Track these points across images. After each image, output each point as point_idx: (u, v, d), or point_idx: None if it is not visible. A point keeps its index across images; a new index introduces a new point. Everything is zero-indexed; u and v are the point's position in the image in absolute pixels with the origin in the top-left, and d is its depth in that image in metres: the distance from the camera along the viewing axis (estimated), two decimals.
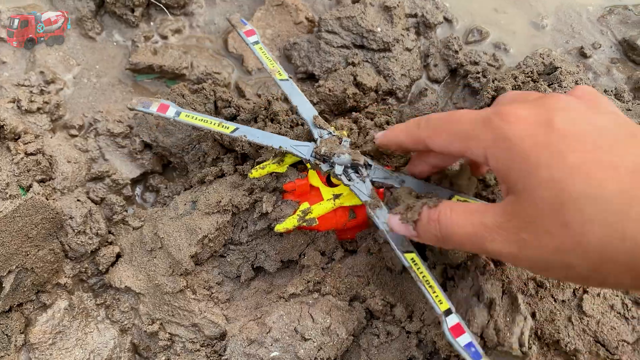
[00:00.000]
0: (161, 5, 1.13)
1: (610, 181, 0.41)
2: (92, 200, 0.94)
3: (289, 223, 0.82)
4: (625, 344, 0.81)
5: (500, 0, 1.26)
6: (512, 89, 0.96)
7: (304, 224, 0.82)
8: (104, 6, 1.13)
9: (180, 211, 0.90)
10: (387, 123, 1.04)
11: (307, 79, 1.14)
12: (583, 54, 1.20)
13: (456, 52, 1.14)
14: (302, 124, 0.96)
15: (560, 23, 1.25)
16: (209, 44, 1.17)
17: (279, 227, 0.82)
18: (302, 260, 0.86)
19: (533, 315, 0.82)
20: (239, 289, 0.89)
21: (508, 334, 0.77)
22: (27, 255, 0.82)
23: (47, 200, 0.86)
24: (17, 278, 0.82)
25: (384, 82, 1.09)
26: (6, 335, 0.82)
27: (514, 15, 1.25)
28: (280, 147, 0.84)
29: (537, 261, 0.47)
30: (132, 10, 1.12)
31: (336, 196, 0.84)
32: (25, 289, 0.84)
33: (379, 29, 1.11)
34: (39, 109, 0.99)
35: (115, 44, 1.13)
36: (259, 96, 1.11)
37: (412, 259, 0.75)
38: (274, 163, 0.86)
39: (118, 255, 0.92)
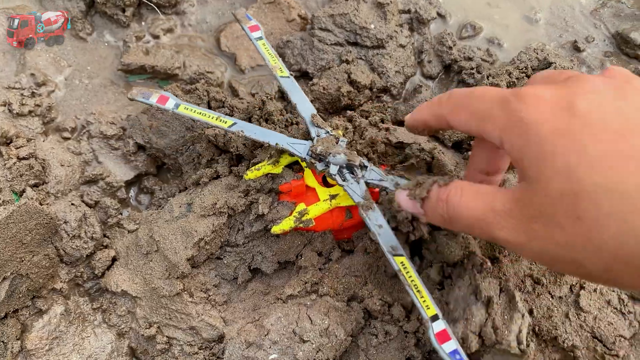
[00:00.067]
0: (152, 5, 1.12)
1: (632, 175, 0.38)
2: (87, 204, 0.93)
3: (286, 224, 0.81)
4: (622, 339, 0.82)
5: None
6: (507, 85, 0.96)
7: (301, 225, 0.82)
8: (94, 6, 1.12)
9: (175, 214, 0.89)
10: (382, 121, 1.04)
11: (301, 77, 1.13)
12: (577, 48, 1.20)
13: (450, 48, 1.13)
14: (297, 123, 0.96)
15: (553, 17, 1.25)
16: (201, 43, 1.16)
17: (276, 229, 0.81)
18: (299, 261, 0.86)
19: (530, 312, 0.82)
20: (236, 291, 0.89)
21: (506, 332, 0.77)
22: (22, 261, 0.81)
23: (41, 205, 0.85)
24: (12, 284, 0.81)
25: (378, 80, 1.09)
26: (2, 342, 0.81)
27: (507, 10, 1.24)
28: (277, 144, 0.84)
29: (544, 254, 0.44)
30: (123, 10, 1.11)
31: (332, 196, 0.84)
32: (20, 295, 0.83)
33: (372, 26, 1.10)
34: (30, 112, 0.98)
35: (106, 44, 1.12)
36: (253, 95, 1.11)
37: (401, 262, 0.75)
38: (269, 164, 0.85)
39: (114, 259, 0.91)
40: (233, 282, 0.89)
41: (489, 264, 0.81)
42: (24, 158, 0.89)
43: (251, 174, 0.85)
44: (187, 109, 0.87)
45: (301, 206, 0.83)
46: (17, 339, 0.83)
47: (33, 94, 1.01)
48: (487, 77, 1.02)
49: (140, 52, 1.08)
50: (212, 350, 0.84)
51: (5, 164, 0.87)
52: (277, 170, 0.86)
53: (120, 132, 1.01)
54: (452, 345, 0.72)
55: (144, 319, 0.86)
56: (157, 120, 0.99)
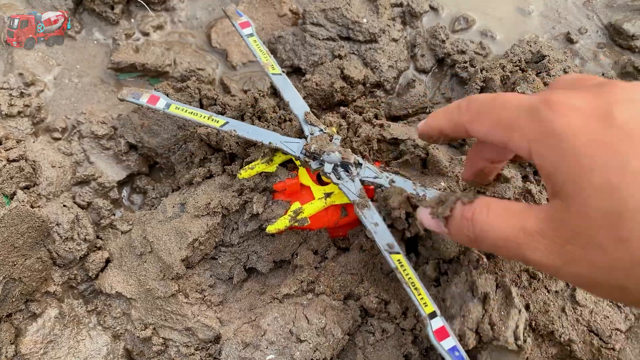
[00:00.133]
0: (141, 2, 1.11)
1: None
2: (79, 205, 0.92)
3: (281, 224, 0.81)
4: (618, 332, 0.82)
5: None
6: (501, 80, 0.96)
7: (296, 223, 0.81)
8: (82, 4, 1.10)
9: (169, 214, 0.88)
10: (376, 116, 1.03)
11: (293, 72, 1.12)
12: (570, 40, 1.19)
13: (443, 41, 1.13)
14: (290, 120, 0.95)
15: (546, 8, 1.24)
16: (191, 40, 1.15)
17: (271, 228, 0.81)
18: (295, 260, 0.86)
19: (527, 307, 0.82)
20: (232, 291, 0.88)
21: (503, 328, 0.77)
22: (14, 265, 0.81)
23: (32, 208, 0.84)
24: (5, 289, 0.80)
25: (372, 75, 1.08)
26: None
27: (500, 2, 1.24)
28: (270, 143, 0.83)
29: (583, 278, 0.41)
30: (112, 8, 1.09)
31: (327, 195, 0.83)
32: (13, 299, 0.82)
33: (364, 20, 1.09)
34: (19, 112, 0.97)
35: (95, 42, 1.11)
36: (245, 92, 1.10)
37: (398, 260, 0.75)
38: (263, 163, 0.85)
39: (107, 261, 0.91)
40: (228, 282, 0.89)
41: (485, 259, 0.81)
42: (14, 160, 0.88)
43: (245, 173, 0.84)
44: (178, 108, 0.86)
45: (296, 205, 0.82)
46: (12, 344, 0.82)
47: (22, 94, 1.00)
48: (481, 71, 1.01)
49: (130, 49, 1.07)
50: (208, 351, 0.84)
51: None
52: (271, 168, 0.85)
53: (112, 131, 1.00)
54: (450, 342, 0.72)
55: (139, 320, 0.86)
56: (148, 119, 0.98)
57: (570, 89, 0.44)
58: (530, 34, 1.19)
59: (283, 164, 0.87)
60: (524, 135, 0.43)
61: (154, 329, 0.85)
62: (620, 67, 1.15)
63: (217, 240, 0.86)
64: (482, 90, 0.97)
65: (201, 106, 0.98)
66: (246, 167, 0.85)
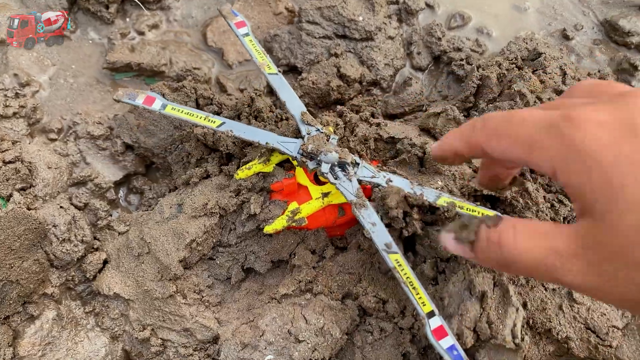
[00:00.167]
0: (136, 1, 1.10)
1: None
2: (75, 206, 0.92)
3: (278, 224, 0.81)
4: (615, 329, 0.82)
5: None
6: (497, 77, 0.96)
7: (294, 224, 0.81)
8: (77, 3, 1.10)
9: (166, 215, 0.88)
10: (372, 115, 1.03)
11: (290, 71, 1.12)
12: (565, 36, 1.19)
13: (439, 39, 1.12)
14: (287, 119, 0.95)
15: (542, 5, 1.24)
16: (187, 38, 1.14)
17: (268, 229, 0.81)
18: (293, 260, 0.86)
19: (524, 305, 0.83)
20: (230, 291, 0.88)
21: (501, 327, 0.77)
22: (11, 267, 0.80)
23: (29, 209, 0.84)
24: (2, 291, 0.80)
25: (368, 73, 1.08)
26: None
27: None
28: (267, 143, 0.83)
29: (626, 298, 0.38)
30: (107, 7, 1.08)
31: (325, 194, 0.83)
32: (11, 302, 0.82)
33: (360, 18, 1.09)
34: (15, 113, 0.96)
35: (90, 42, 1.10)
36: (241, 91, 1.09)
37: (396, 259, 0.75)
38: (260, 163, 0.84)
39: (105, 262, 0.90)
40: (226, 283, 0.89)
41: None
42: (9, 162, 0.87)
43: (242, 174, 0.84)
44: (175, 109, 0.85)
45: (293, 205, 0.82)
46: (9, 346, 0.82)
47: (17, 95, 0.99)
48: (477, 69, 1.01)
49: (125, 49, 1.06)
50: (207, 351, 0.84)
51: None
52: (268, 168, 0.85)
53: (108, 132, 1.00)
54: (449, 341, 0.72)
55: (137, 321, 0.86)
56: (144, 120, 0.97)
57: (590, 101, 0.42)
58: (526, 31, 1.19)
59: (280, 164, 0.87)
60: (546, 154, 0.41)
61: (152, 329, 0.85)
62: (616, 64, 1.15)
63: (214, 240, 0.86)
64: (479, 88, 0.97)
65: (197, 106, 0.98)
66: (243, 167, 0.85)
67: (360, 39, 1.09)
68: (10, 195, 0.86)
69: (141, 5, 1.11)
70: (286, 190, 0.84)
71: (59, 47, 1.08)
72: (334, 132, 0.89)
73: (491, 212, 0.82)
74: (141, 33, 1.11)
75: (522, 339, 0.79)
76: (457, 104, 0.98)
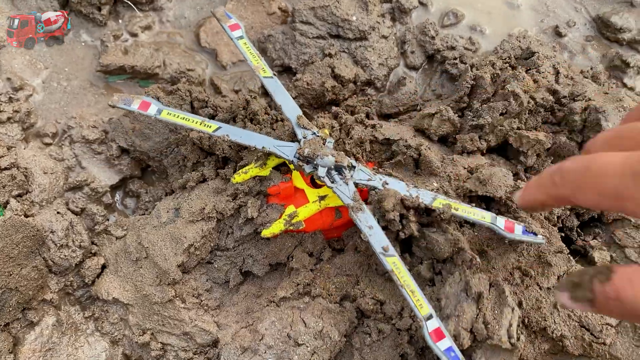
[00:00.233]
0: (128, 2, 1.10)
1: None
2: (72, 212, 0.92)
3: (276, 228, 0.81)
4: (609, 327, 0.84)
5: None
6: (491, 77, 0.96)
7: (291, 227, 0.82)
8: (68, 5, 1.09)
9: (163, 219, 0.88)
10: (367, 115, 1.04)
11: (284, 72, 1.12)
12: (558, 33, 1.20)
13: (433, 38, 1.13)
14: (282, 120, 0.95)
15: (534, 1, 1.24)
16: (180, 39, 1.14)
17: (266, 232, 0.81)
18: (291, 263, 0.86)
19: (520, 304, 0.84)
20: (229, 294, 0.89)
21: (497, 327, 0.78)
22: (10, 275, 0.81)
23: (26, 216, 0.84)
24: (2, 299, 0.80)
25: (362, 73, 1.08)
26: None
27: None
28: (263, 147, 0.83)
29: None
30: (99, 9, 1.08)
31: (321, 198, 0.84)
32: (10, 309, 0.82)
33: (354, 18, 1.09)
34: (9, 118, 0.96)
35: (83, 44, 1.10)
36: (236, 92, 1.09)
37: (394, 262, 0.76)
38: (256, 167, 0.85)
39: (103, 266, 0.91)
40: (225, 286, 0.89)
41: (478, 259, 0.82)
42: (5, 168, 0.88)
43: (238, 178, 0.84)
44: (170, 114, 0.86)
45: (290, 208, 0.83)
46: (10, 352, 0.82)
47: (10, 99, 0.99)
48: (471, 68, 1.02)
49: (118, 51, 1.06)
50: (207, 355, 0.85)
51: None
52: (265, 172, 0.85)
53: (103, 135, 0.99)
54: (446, 342, 0.73)
55: (137, 326, 0.86)
56: (139, 123, 0.97)
57: None
58: (519, 28, 1.20)
59: (276, 167, 0.87)
60: (638, 204, 0.39)
61: (152, 334, 0.86)
62: (608, 61, 1.16)
63: (212, 244, 0.87)
64: (473, 88, 0.97)
65: (192, 108, 0.98)
66: (240, 171, 0.85)
67: (354, 39, 1.09)
68: (7, 202, 0.86)
69: (133, 7, 1.10)
70: (283, 194, 0.85)
71: (52, 50, 1.07)
72: (330, 134, 0.90)
73: (487, 214, 0.83)
74: (134, 35, 1.10)
75: (518, 339, 0.80)
76: (451, 104, 0.98)
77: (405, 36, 1.14)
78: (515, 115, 0.92)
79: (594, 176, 0.42)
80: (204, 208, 0.85)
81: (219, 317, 0.86)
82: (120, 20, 1.11)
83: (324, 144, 0.82)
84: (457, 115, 0.96)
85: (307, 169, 0.81)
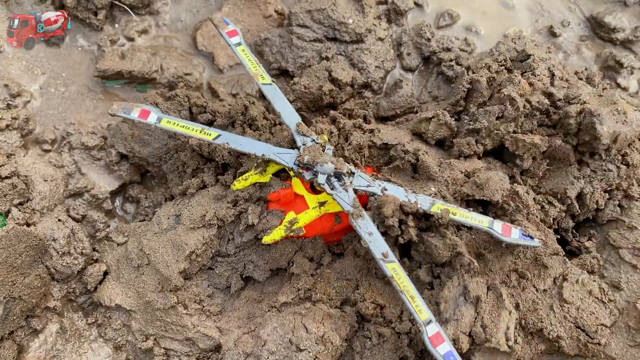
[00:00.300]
0: (125, 6, 1.09)
1: None
2: (73, 219, 0.93)
3: (277, 234, 0.82)
4: (604, 327, 0.85)
5: None
6: (487, 81, 0.97)
7: (291, 233, 0.83)
8: (65, 10, 1.09)
9: (164, 226, 0.89)
10: (365, 118, 1.05)
11: (281, 75, 1.12)
12: (553, 33, 1.21)
13: (428, 40, 1.13)
14: (281, 123, 0.96)
15: (529, 1, 1.25)
16: (177, 43, 1.14)
17: (267, 239, 0.82)
18: (292, 268, 0.87)
19: (517, 306, 0.85)
20: (230, 300, 0.90)
21: (495, 330, 0.80)
22: (14, 284, 0.81)
23: (29, 226, 0.85)
24: (6, 308, 0.81)
25: (359, 76, 1.08)
26: None
27: None
28: (263, 155, 0.84)
29: None
30: (95, 14, 1.07)
31: (321, 204, 0.85)
32: (14, 317, 0.83)
33: (350, 20, 1.09)
34: (7, 126, 0.96)
35: (80, 49, 1.09)
36: (234, 96, 1.10)
37: (393, 268, 0.77)
38: (256, 174, 0.86)
39: (105, 273, 0.92)
40: (226, 291, 0.90)
41: (476, 263, 0.83)
42: (6, 177, 0.88)
43: (239, 185, 0.85)
44: (170, 122, 0.86)
45: (291, 215, 0.84)
46: None
47: (9, 106, 0.99)
48: (467, 71, 1.03)
49: (115, 56, 1.06)
50: (209, 359, 0.86)
51: None
52: (265, 179, 0.86)
53: (102, 142, 1.00)
54: (446, 347, 0.75)
55: (139, 331, 0.87)
56: (138, 129, 0.98)
57: None
58: (514, 28, 1.20)
59: (276, 173, 0.88)
60: None
61: (155, 339, 0.87)
62: (602, 61, 1.17)
63: (213, 251, 0.88)
64: (469, 92, 0.98)
65: (191, 114, 0.99)
66: (240, 178, 0.86)
67: (350, 42, 1.10)
68: (9, 211, 0.86)
69: (130, 11, 1.10)
70: (283, 200, 0.86)
71: (49, 55, 1.07)
72: (329, 140, 0.90)
73: (485, 218, 0.84)
74: (131, 39, 1.10)
75: (515, 341, 0.82)
76: (447, 108, 0.99)
77: (401, 38, 1.15)
78: (512, 119, 0.93)
79: None
80: (204, 215, 0.86)
81: (220, 322, 0.87)
82: (116, 25, 1.11)
83: (323, 151, 0.83)
84: (453, 119, 0.97)
85: (307, 175, 0.82)
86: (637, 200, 0.96)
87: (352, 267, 0.88)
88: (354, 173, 0.83)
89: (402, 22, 1.17)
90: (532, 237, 0.85)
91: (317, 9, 1.10)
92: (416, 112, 1.09)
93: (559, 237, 0.94)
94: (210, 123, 0.98)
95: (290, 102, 1.03)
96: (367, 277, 0.89)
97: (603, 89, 1.05)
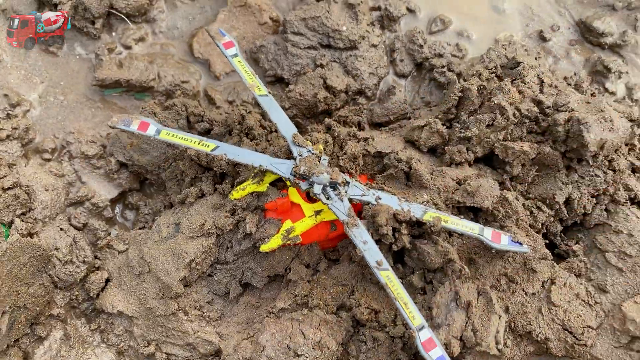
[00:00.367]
0: (122, 15, 1.11)
1: None
2: (75, 227, 0.95)
3: (274, 243, 0.85)
4: (590, 329, 0.89)
5: None
6: (477, 89, 0.99)
7: (288, 242, 0.85)
8: None
9: (164, 234, 0.91)
10: (359, 124, 1.07)
11: (277, 82, 1.14)
12: (543, 38, 1.23)
13: (421, 46, 1.15)
14: (277, 130, 0.98)
15: (520, 5, 1.27)
16: (173, 50, 1.15)
17: (264, 248, 0.85)
18: (289, 275, 0.90)
19: (506, 309, 0.88)
20: (229, 306, 0.92)
21: (485, 334, 0.83)
22: (19, 294, 0.84)
23: (32, 237, 0.87)
24: (12, 317, 0.83)
25: (353, 83, 1.11)
26: None
27: (475, 0, 1.26)
28: (260, 165, 0.86)
29: None
30: (93, 23, 1.09)
31: (317, 212, 0.87)
32: (20, 325, 0.86)
33: (344, 28, 1.11)
34: (8, 136, 0.98)
35: (78, 57, 1.11)
36: (230, 103, 1.12)
37: (387, 276, 0.80)
38: (253, 183, 0.88)
39: (107, 280, 0.94)
40: (225, 297, 0.93)
41: (467, 269, 0.86)
42: (8, 188, 0.90)
43: (237, 194, 0.88)
44: (169, 134, 0.88)
45: (288, 223, 0.86)
46: None
47: (8, 116, 1.01)
48: (459, 78, 1.05)
49: (113, 65, 1.08)
50: None
51: None
52: (262, 188, 0.88)
53: (101, 150, 1.02)
54: (438, 352, 0.78)
55: (141, 337, 0.90)
56: (137, 138, 1.00)
57: None
58: (505, 33, 1.22)
59: (273, 182, 0.90)
60: None
61: (157, 345, 0.89)
62: (591, 65, 1.20)
63: (212, 259, 0.90)
64: (460, 100, 1.00)
65: (188, 122, 1.01)
66: (237, 187, 0.88)
67: (344, 48, 1.12)
68: (12, 222, 0.88)
69: (126, 20, 1.12)
70: (280, 209, 0.88)
71: (47, 64, 1.09)
72: (324, 149, 0.93)
73: (475, 225, 0.87)
74: (128, 47, 1.12)
75: (505, 344, 0.85)
76: (439, 115, 1.01)
77: (394, 44, 1.17)
78: (502, 128, 0.95)
79: None
80: (203, 224, 0.88)
81: (220, 327, 0.90)
82: (113, 33, 1.13)
83: (319, 162, 0.86)
84: (445, 126, 0.99)
85: (303, 186, 0.85)
86: (623, 205, 0.99)
87: (347, 273, 0.91)
88: (348, 183, 0.86)
89: (395, 28, 1.19)
90: (520, 243, 0.88)
91: (312, 17, 1.11)
92: (409, 118, 1.11)
93: (547, 241, 0.97)
94: (207, 131, 1.00)
95: (286, 109, 1.06)
96: (362, 282, 0.91)
97: (591, 95, 1.07)
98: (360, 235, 0.82)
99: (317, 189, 0.84)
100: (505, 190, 0.94)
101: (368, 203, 0.86)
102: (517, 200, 0.94)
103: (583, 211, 0.98)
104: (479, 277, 0.90)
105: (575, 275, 0.94)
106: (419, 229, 0.89)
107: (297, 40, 1.12)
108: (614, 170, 0.98)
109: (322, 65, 1.10)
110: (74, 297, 0.92)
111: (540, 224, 0.96)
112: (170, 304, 0.88)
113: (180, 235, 0.90)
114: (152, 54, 1.14)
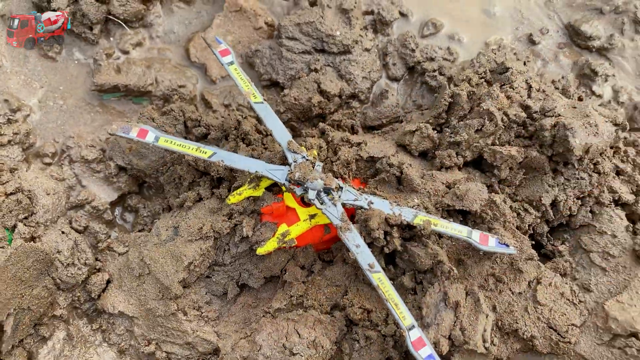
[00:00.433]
0: (119, 21, 1.13)
1: None
2: (76, 230, 0.98)
3: (270, 246, 0.88)
4: (574, 327, 0.92)
5: None
6: (467, 95, 1.02)
7: (284, 245, 0.88)
8: None
9: (163, 237, 0.94)
10: (352, 127, 1.10)
11: (272, 86, 1.17)
12: (532, 41, 1.26)
13: (413, 50, 1.18)
14: (271, 134, 1.01)
15: (510, 9, 1.30)
16: (170, 55, 1.18)
17: (261, 251, 0.88)
18: (284, 276, 0.93)
19: (494, 308, 0.92)
20: (227, 306, 0.96)
21: (472, 332, 0.87)
22: (23, 296, 0.87)
23: (34, 242, 0.90)
24: (16, 319, 0.86)
25: (347, 87, 1.13)
26: None
27: (467, 4, 1.28)
28: (256, 172, 0.89)
29: None
30: (91, 28, 1.11)
31: (312, 216, 0.90)
32: (24, 326, 0.88)
33: (338, 33, 1.14)
34: (9, 141, 1.00)
35: (76, 62, 1.13)
36: (226, 106, 1.14)
37: (379, 278, 0.84)
38: (250, 188, 0.91)
39: (107, 281, 0.97)
40: (223, 298, 0.96)
41: (455, 271, 0.90)
42: (11, 193, 0.92)
43: (233, 199, 0.90)
44: (167, 141, 0.91)
45: (283, 227, 0.89)
46: None
47: (9, 121, 1.03)
48: (449, 83, 1.08)
49: (111, 70, 1.10)
50: None
51: None
52: (258, 193, 0.91)
53: (101, 154, 1.04)
54: (427, 350, 0.81)
55: (142, 336, 0.93)
56: (136, 143, 1.02)
57: None
58: (495, 36, 1.25)
59: (269, 187, 0.93)
60: None
61: (157, 344, 0.93)
62: (579, 68, 1.23)
63: (210, 261, 0.93)
64: (450, 105, 1.03)
65: (185, 127, 1.03)
66: (234, 192, 0.91)
67: (338, 53, 1.14)
68: (15, 226, 0.91)
69: (124, 25, 1.14)
70: (276, 213, 0.91)
71: (46, 69, 1.11)
72: (318, 154, 0.96)
73: (464, 228, 0.90)
74: (125, 52, 1.14)
75: (492, 342, 0.89)
76: (430, 120, 1.04)
77: (386, 48, 1.20)
78: (490, 133, 0.98)
79: None
80: (201, 227, 0.91)
81: (218, 327, 0.93)
82: (111, 38, 1.15)
83: (313, 168, 0.88)
84: (436, 131, 1.02)
85: (298, 191, 0.88)
86: (607, 207, 1.02)
87: (341, 274, 0.94)
88: (342, 188, 0.89)
89: (388, 32, 1.22)
90: (507, 245, 0.91)
91: (306, 22, 1.14)
92: (401, 121, 1.14)
93: (534, 242, 1.00)
94: (204, 136, 1.03)
95: (281, 113, 1.08)
96: (355, 283, 0.95)
97: (578, 98, 1.10)
98: (353, 239, 0.85)
99: (311, 194, 0.87)
100: (493, 193, 0.97)
101: (361, 207, 0.89)
102: (505, 202, 0.98)
103: (569, 213, 1.01)
104: (468, 277, 0.94)
105: (560, 274, 0.97)
106: (409, 232, 0.92)
107: (292, 45, 1.14)
108: (599, 173, 1.02)
109: (316, 70, 1.13)
110: (76, 298, 0.95)
111: (527, 225, 1.00)
112: (170, 304, 0.91)
113: (179, 238, 0.93)
114: (149, 58, 1.16)
